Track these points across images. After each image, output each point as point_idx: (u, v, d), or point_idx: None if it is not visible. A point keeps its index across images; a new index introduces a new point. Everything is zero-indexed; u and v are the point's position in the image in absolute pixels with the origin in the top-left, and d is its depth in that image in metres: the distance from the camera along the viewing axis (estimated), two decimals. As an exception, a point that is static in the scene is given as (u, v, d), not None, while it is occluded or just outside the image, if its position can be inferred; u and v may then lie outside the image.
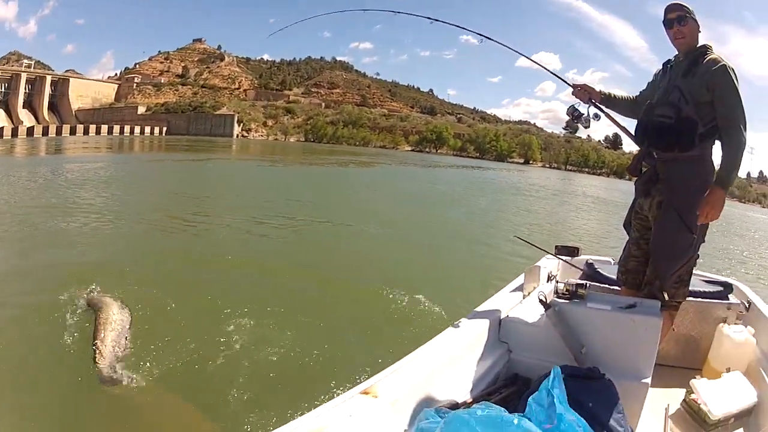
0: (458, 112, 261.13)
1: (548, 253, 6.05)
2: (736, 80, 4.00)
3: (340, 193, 26.88)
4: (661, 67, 4.58)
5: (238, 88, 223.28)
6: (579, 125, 4.79)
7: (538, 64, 5.93)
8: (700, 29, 4.28)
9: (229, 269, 10.53)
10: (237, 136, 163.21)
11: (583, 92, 4.68)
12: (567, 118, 4.75)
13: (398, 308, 8.76)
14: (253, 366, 6.46)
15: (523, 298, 4.51)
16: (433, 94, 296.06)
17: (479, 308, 4.08)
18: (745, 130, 3.95)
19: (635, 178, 4.59)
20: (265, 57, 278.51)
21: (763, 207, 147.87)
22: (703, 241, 4.33)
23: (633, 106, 4.69)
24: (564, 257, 6.01)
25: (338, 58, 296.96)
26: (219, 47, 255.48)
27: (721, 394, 4.15)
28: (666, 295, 4.25)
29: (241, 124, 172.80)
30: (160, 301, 8.03)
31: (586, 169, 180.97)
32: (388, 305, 8.83)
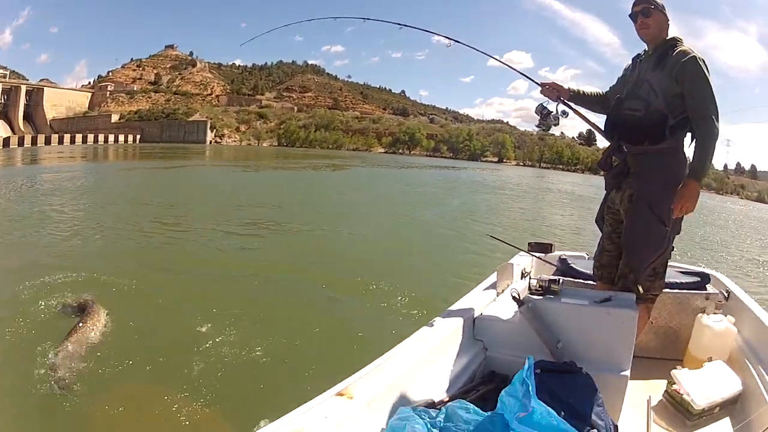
0: (431, 113, 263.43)
1: (521, 250, 6.06)
2: (707, 71, 3.96)
3: (314, 197, 26.87)
4: (630, 61, 4.57)
5: (210, 94, 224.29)
6: (548, 123, 4.76)
7: (507, 64, 5.95)
8: (668, 21, 4.25)
9: (204, 274, 10.52)
10: (210, 142, 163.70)
11: (552, 90, 4.67)
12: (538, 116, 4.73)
13: (373, 309, 8.80)
14: (227, 369, 6.43)
15: (497, 295, 4.50)
16: (405, 96, 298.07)
17: (453, 307, 4.06)
18: (717, 120, 3.90)
19: (606, 173, 4.56)
20: (237, 62, 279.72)
21: (741, 198, 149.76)
22: (678, 233, 4.31)
23: (603, 101, 4.67)
24: (537, 254, 6.01)
25: (310, 62, 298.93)
26: (191, 53, 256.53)
27: (704, 384, 4.12)
28: (641, 288, 4.20)
29: (214, 130, 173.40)
30: (133, 309, 8.01)
31: (561, 166, 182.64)
32: (363, 306, 8.88)
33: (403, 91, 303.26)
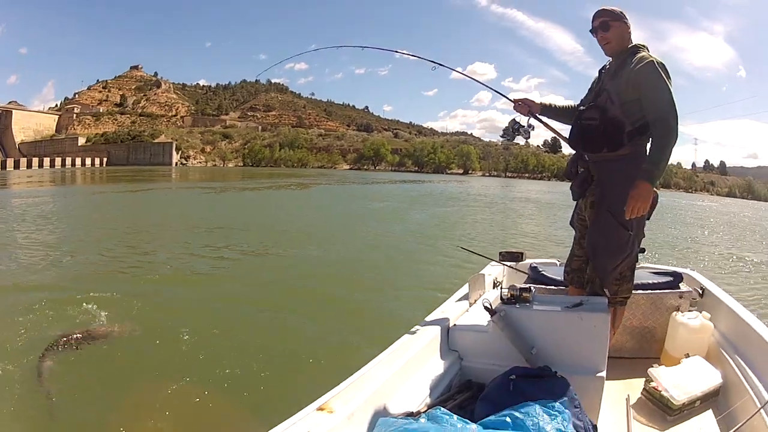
0: (395, 128, 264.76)
1: (493, 260, 6.10)
2: (666, 75, 3.99)
3: (283, 217, 26.33)
4: (598, 73, 4.60)
5: (175, 115, 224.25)
6: (520, 137, 4.83)
7: (478, 81, 5.96)
8: (629, 29, 4.31)
9: (176, 296, 10.37)
10: (176, 163, 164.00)
11: (523, 106, 4.73)
12: (504, 125, 4.85)
13: (348, 324, 8.80)
14: (205, 386, 6.38)
15: (470, 306, 4.55)
16: (369, 111, 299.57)
17: (427, 318, 4.10)
18: (676, 123, 3.93)
19: (571, 182, 4.62)
20: (202, 82, 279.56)
21: (711, 194, 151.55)
22: (643, 236, 4.34)
23: (573, 113, 4.67)
24: (508, 263, 6.05)
25: (273, 80, 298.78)
26: (155, 74, 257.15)
27: (682, 379, 4.19)
28: (608, 292, 4.26)
29: (180, 152, 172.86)
30: (102, 336, 7.91)
31: (527, 175, 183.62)
32: (338, 321, 8.88)
33: (367, 107, 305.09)
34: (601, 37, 4.32)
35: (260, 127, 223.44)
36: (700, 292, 5.42)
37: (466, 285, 4.87)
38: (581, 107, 4.48)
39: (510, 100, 4.88)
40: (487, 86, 5.79)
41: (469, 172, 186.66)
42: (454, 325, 4.00)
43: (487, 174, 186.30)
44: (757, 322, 4.41)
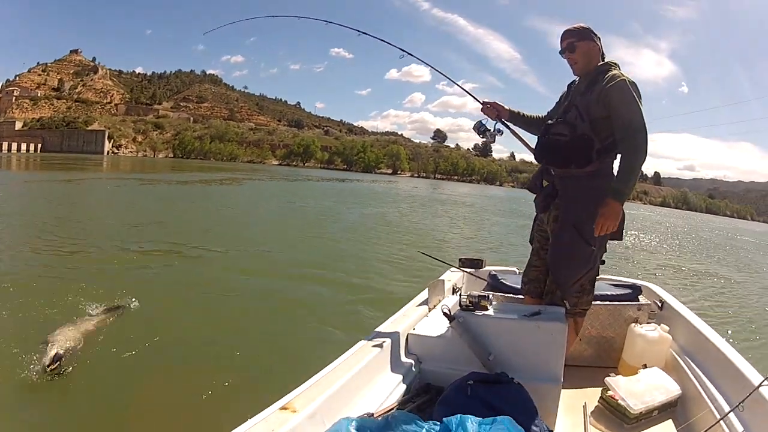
0: (325, 125, 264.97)
1: (452, 266, 6.16)
2: (636, 93, 4.02)
3: (218, 216, 24.83)
4: (566, 87, 4.67)
5: (109, 102, 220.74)
6: (485, 140, 4.85)
7: (462, 87, 5.87)
8: (598, 46, 4.34)
9: (118, 294, 9.93)
10: (108, 152, 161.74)
11: (492, 109, 4.77)
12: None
13: (306, 328, 8.68)
14: (168, 386, 6.35)
15: (429, 311, 4.59)
16: (301, 107, 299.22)
17: (386, 323, 4.14)
18: (646, 143, 3.98)
19: (536, 195, 4.65)
20: (139, 70, 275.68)
21: (644, 203, 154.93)
22: (605, 251, 4.39)
23: (540, 124, 4.70)
24: (468, 269, 6.13)
25: (209, 71, 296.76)
26: (94, 59, 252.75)
27: (639, 389, 4.25)
28: (567, 304, 4.29)
29: (112, 140, 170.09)
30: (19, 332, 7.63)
31: (456, 177, 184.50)
32: (296, 326, 8.76)
33: (299, 103, 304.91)
34: (568, 58, 4.37)
35: (192, 119, 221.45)
36: (660, 304, 5.51)
37: (425, 290, 4.94)
38: (549, 121, 4.50)
39: (479, 101, 4.92)
40: (459, 85, 5.80)
41: (398, 172, 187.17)
42: (414, 329, 4.03)
43: (416, 175, 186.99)
44: (716, 336, 4.52)
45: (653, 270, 20.47)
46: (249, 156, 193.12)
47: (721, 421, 3.36)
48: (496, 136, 4.81)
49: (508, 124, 4.83)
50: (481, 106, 4.87)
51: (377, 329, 3.96)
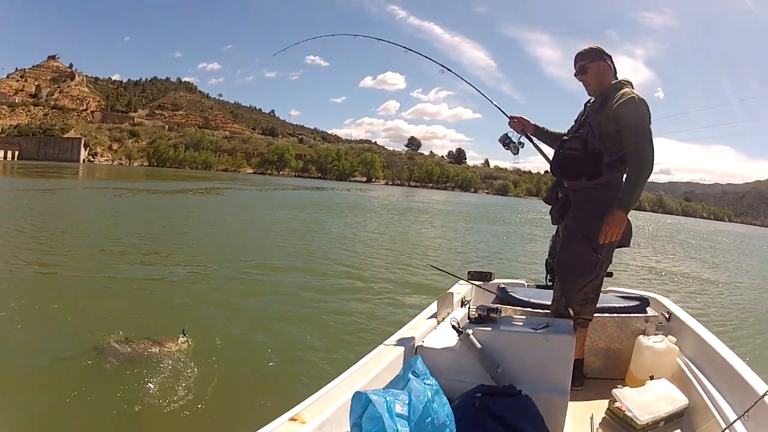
0: (299, 133, 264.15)
1: (461, 279, 6.19)
2: (645, 110, 4.21)
3: (206, 231, 23.67)
4: (583, 106, 4.81)
5: (86, 110, 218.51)
6: (509, 151, 5.02)
7: (491, 101, 5.74)
8: (609, 64, 4.54)
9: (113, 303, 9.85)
10: (84, 161, 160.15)
11: (518, 124, 4.94)
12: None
13: (314, 340, 8.51)
14: (177, 399, 6.22)
15: (438, 324, 4.59)
16: (275, 115, 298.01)
17: (395, 335, 4.17)
18: (652, 156, 4.14)
19: (551, 207, 4.82)
20: (116, 77, 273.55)
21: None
22: (610, 262, 4.55)
23: (560, 140, 4.84)
24: (476, 282, 6.13)
25: (184, 79, 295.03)
26: (71, 65, 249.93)
27: (647, 400, 4.26)
28: (571, 312, 4.46)
29: (88, 148, 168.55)
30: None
31: (431, 184, 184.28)
32: (304, 338, 8.60)
33: (273, 111, 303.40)
34: (581, 80, 4.57)
35: (167, 127, 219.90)
36: (667, 316, 5.57)
37: (435, 303, 4.91)
38: (564, 137, 4.68)
39: (507, 116, 5.07)
40: (490, 100, 5.70)
41: (373, 180, 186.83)
42: (423, 342, 4.06)
43: (391, 182, 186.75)
44: (722, 346, 4.57)
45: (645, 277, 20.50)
46: (224, 164, 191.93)
47: (728, 430, 3.38)
48: (519, 148, 4.99)
49: (532, 138, 5.00)
50: (509, 120, 5.02)
51: (386, 342, 3.99)
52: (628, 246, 4.62)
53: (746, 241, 68.25)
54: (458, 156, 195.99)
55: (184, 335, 7.68)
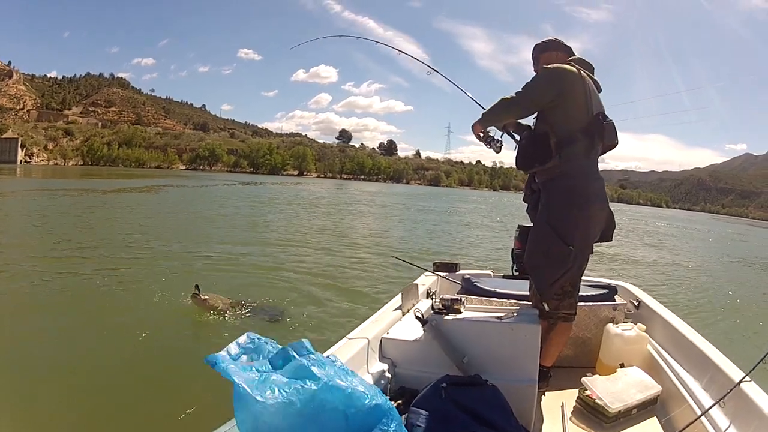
0: (230, 128, 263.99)
1: (426, 270, 6.15)
2: (550, 73, 4.21)
3: (148, 230, 22.78)
4: None
5: (22, 109, 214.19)
6: (491, 149, 4.82)
7: (473, 98, 5.68)
8: (557, 56, 4.50)
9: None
10: (21, 161, 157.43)
11: None
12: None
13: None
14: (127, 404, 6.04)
15: (403, 315, 4.58)
16: (206, 110, 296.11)
17: (360, 327, 4.13)
18: (518, 105, 4.26)
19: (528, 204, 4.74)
20: (53, 74, 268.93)
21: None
22: (591, 253, 4.41)
23: None
24: (442, 273, 6.09)
25: (118, 74, 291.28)
26: (9, 63, 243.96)
27: (617, 388, 4.28)
28: (547, 306, 4.26)
29: (24, 149, 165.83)
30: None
31: (362, 177, 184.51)
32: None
33: (204, 105, 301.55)
34: (535, 71, 4.55)
35: (100, 124, 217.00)
36: (636, 304, 5.64)
37: (399, 295, 4.93)
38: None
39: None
40: (473, 98, 5.63)
41: (305, 173, 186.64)
42: (388, 333, 4.06)
43: (323, 175, 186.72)
44: (694, 334, 4.64)
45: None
46: (156, 161, 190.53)
47: (703, 417, 3.41)
48: (500, 146, 4.82)
49: (514, 134, 4.88)
50: None
51: (350, 334, 3.97)
52: (611, 240, 4.57)
53: (688, 227, 69.98)
54: (389, 147, 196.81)
55: None
